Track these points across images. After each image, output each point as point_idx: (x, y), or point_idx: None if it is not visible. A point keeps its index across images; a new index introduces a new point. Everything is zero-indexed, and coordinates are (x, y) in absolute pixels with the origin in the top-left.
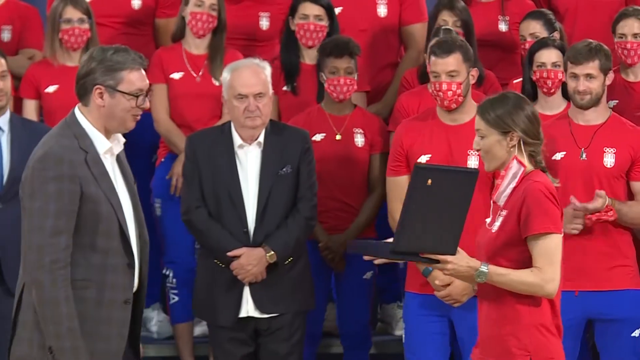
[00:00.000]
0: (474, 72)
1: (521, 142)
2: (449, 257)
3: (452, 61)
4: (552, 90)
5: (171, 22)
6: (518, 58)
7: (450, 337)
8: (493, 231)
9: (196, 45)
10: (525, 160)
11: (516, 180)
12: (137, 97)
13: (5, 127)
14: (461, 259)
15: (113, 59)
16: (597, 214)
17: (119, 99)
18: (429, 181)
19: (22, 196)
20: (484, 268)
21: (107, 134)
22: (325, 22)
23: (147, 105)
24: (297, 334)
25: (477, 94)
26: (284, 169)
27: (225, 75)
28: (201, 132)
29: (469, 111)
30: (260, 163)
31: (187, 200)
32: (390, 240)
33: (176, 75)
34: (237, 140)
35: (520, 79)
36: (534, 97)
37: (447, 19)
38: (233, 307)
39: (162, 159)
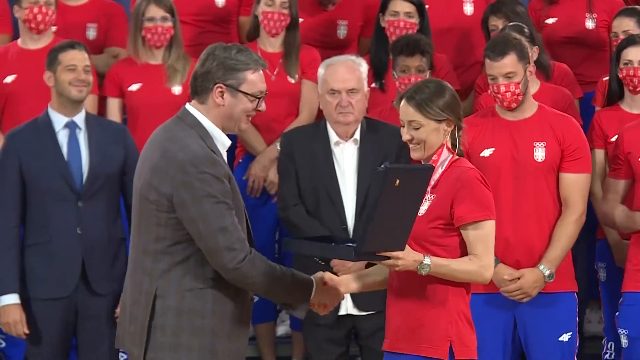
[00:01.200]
0: (531, 68)
1: (455, 129)
2: (400, 254)
3: (508, 62)
4: (638, 89)
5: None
6: (606, 56)
7: (514, 335)
8: (420, 215)
9: (271, 44)
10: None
11: (444, 166)
12: (259, 99)
13: (82, 125)
14: (408, 254)
15: (236, 58)
16: None
17: (240, 99)
18: (397, 182)
19: (161, 200)
20: (427, 260)
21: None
22: (415, 20)
23: (263, 107)
24: None
25: (548, 87)
26: (382, 166)
27: (321, 70)
28: (297, 129)
29: (530, 106)
30: (358, 160)
31: (285, 197)
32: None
33: None
34: (333, 137)
35: (608, 77)
36: (620, 96)
37: (497, 24)
38: None
39: (240, 160)
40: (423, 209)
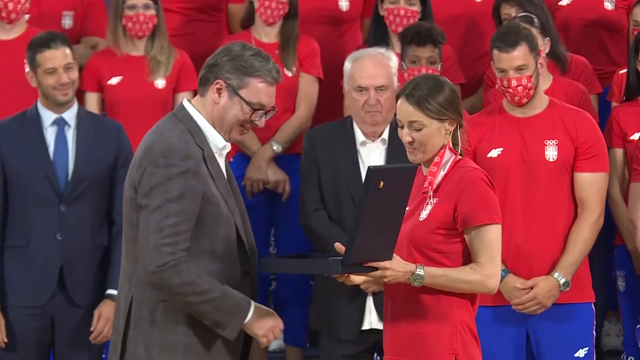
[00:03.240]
0: (542, 60)
1: (457, 128)
2: (387, 264)
3: (519, 54)
4: None
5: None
6: (623, 42)
7: (526, 351)
8: (420, 219)
9: (266, 33)
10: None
11: (447, 168)
12: (255, 110)
13: (72, 122)
14: (398, 264)
15: (248, 61)
16: None
17: (235, 103)
18: (382, 184)
19: (136, 197)
20: (419, 271)
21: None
22: (417, 7)
23: (261, 123)
24: None
25: (562, 82)
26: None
27: (347, 64)
28: (320, 127)
29: (541, 101)
30: (386, 161)
31: (305, 203)
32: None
33: None
34: (359, 136)
35: (626, 70)
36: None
37: (509, 12)
38: (356, 318)
39: (231, 159)
40: (424, 213)
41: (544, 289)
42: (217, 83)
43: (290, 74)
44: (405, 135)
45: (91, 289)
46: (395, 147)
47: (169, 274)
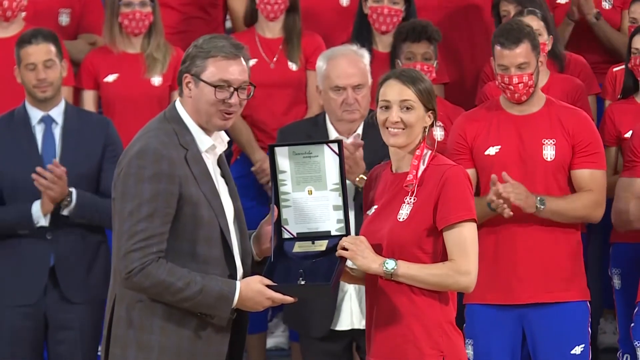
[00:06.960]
0: (542, 58)
1: (434, 123)
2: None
3: (522, 52)
4: None
5: (243, 3)
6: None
7: (522, 349)
8: (400, 220)
9: (270, 29)
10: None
11: (426, 162)
12: (216, 87)
13: (59, 119)
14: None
15: (203, 46)
16: None
17: (202, 89)
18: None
19: (114, 196)
20: (388, 265)
21: (208, 130)
22: (400, 6)
23: (235, 101)
24: None
25: (559, 77)
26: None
27: (321, 64)
28: (293, 125)
29: (538, 100)
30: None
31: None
32: None
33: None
34: (332, 133)
35: (622, 67)
36: (635, 88)
37: (508, 9)
38: (328, 315)
39: (238, 156)
40: (403, 213)
41: (524, 189)
42: (185, 78)
43: (295, 67)
44: (394, 115)
45: (84, 285)
46: (369, 143)
47: (139, 279)
